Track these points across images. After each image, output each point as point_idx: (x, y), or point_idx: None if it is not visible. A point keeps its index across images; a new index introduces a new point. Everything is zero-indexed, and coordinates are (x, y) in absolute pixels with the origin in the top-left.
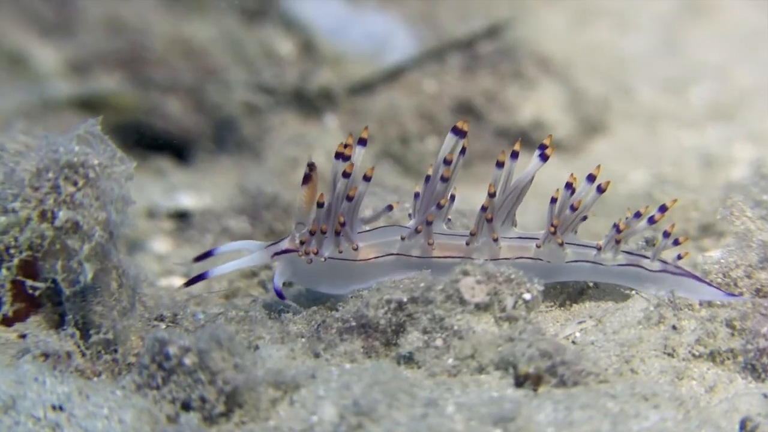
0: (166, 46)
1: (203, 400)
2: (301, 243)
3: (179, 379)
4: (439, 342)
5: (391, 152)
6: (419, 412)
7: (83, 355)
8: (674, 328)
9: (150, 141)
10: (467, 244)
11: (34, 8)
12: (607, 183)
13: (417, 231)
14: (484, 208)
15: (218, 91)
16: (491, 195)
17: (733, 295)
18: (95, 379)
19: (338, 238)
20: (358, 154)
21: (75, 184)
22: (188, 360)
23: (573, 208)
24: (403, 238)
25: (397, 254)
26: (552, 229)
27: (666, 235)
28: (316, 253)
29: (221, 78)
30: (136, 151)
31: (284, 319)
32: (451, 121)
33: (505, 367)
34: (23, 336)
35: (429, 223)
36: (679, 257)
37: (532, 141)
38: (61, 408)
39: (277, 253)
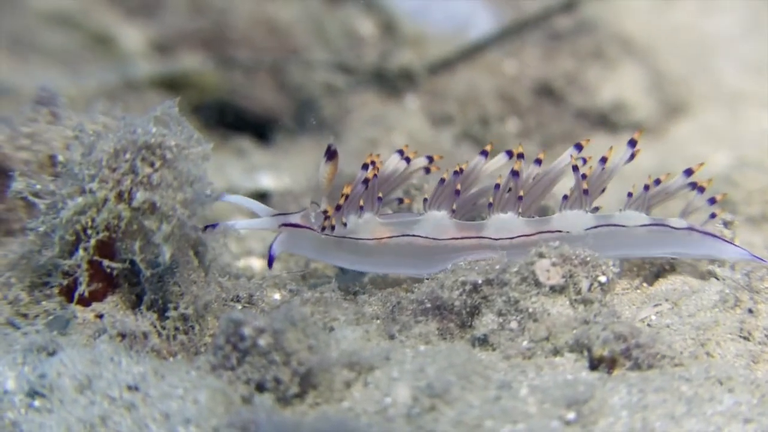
0: (248, 25)
1: (277, 381)
2: (325, 217)
3: (254, 359)
4: (514, 324)
5: (471, 133)
6: (493, 395)
7: (159, 335)
8: (750, 311)
9: (231, 120)
10: (487, 211)
11: None
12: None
13: (429, 201)
14: (497, 186)
15: (300, 71)
16: (514, 173)
17: (759, 258)
18: (171, 359)
19: (338, 213)
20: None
21: (152, 165)
22: (263, 341)
23: (603, 160)
24: (426, 199)
25: (411, 235)
26: (585, 185)
27: (701, 190)
28: (333, 228)
29: (303, 58)
30: (217, 131)
31: (360, 301)
32: (531, 103)
33: (579, 349)
34: (100, 316)
35: (457, 192)
36: (713, 216)
37: (612, 123)
38: (136, 388)
39: (285, 224)
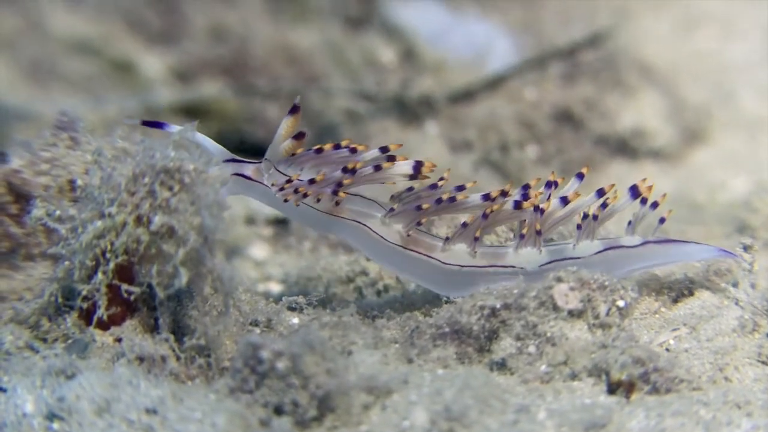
0: (269, 52)
1: (296, 404)
2: (288, 181)
3: (272, 383)
4: (532, 348)
5: (490, 160)
6: (511, 418)
7: (178, 359)
8: None
9: (251, 147)
10: (444, 243)
11: (141, 17)
12: (611, 187)
13: (396, 212)
14: (465, 224)
15: (320, 98)
16: (487, 198)
17: (729, 252)
18: (189, 382)
19: (293, 195)
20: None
21: (170, 189)
22: (281, 364)
23: (564, 201)
24: (393, 206)
25: (365, 225)
26: (537, 226)
27: (644, 201)
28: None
29: (323, 85)
30: None
31: (378, 325)
32: (550, 129)
33: (597, 373)
34: (119, 340)
35: (419, 208)
36: (663, 221)
37: (631, 149)
38: (154, 411)
39: (237, 174)
